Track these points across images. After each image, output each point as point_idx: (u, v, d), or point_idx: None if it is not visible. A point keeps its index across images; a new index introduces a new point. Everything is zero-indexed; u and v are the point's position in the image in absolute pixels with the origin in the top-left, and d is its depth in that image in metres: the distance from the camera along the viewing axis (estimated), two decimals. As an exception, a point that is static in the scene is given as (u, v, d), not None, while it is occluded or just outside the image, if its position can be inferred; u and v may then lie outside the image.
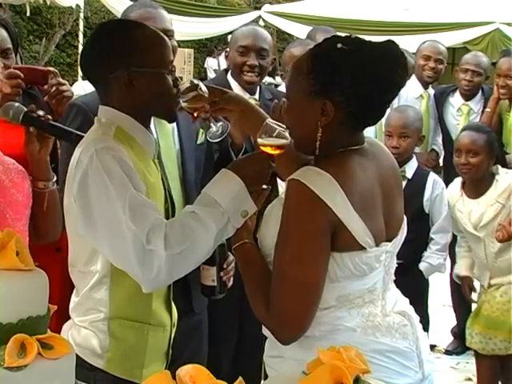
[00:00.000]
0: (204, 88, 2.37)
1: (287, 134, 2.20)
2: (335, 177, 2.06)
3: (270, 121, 2.23)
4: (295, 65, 2.23)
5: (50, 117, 2.59)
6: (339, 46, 2.12)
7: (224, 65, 19.36)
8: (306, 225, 2.06)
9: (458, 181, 4.20)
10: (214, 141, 2.49)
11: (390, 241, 2.20)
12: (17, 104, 2.59)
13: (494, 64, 6.02)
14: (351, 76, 2.08)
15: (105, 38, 2.28)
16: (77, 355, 2.15)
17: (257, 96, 3.71)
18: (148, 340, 2.31)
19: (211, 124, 2.46)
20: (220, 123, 2.47)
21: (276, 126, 2.20)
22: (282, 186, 3.53)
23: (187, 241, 2.09)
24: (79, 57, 2.39)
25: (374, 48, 2.13)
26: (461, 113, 5.39)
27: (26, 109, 2.56)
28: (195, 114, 2.42)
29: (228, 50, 3.66)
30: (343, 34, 2.25)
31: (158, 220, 2.11)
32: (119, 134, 2.24)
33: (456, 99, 5.43)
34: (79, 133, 2.54)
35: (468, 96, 5.35)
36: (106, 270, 2.23)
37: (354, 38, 2.16)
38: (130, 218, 2.07)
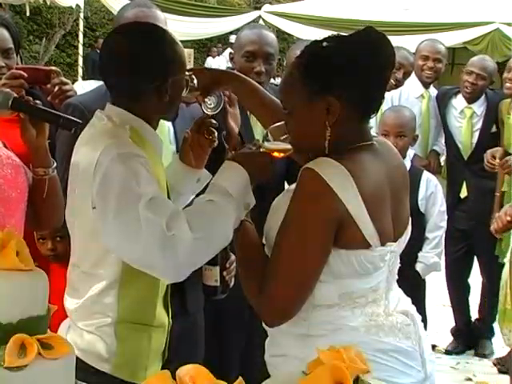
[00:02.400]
0: (195, 80, 2.39)
1: None
2: (349, 170, 2.07)
3: (279, 124, 2.24)
4: (286, 78, 2.24)
5: (39, 101, 2.56)
6: (324, 44, 2.14)
7: (223, 64, 19.37)
8: (312, 215, 2.07)
9: None
10: (210, 113, 2.52)
11: (395, 241, 2.20)
12: (5, 90, 2.57)
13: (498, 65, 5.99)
14: (344, 66, 2.10)
15: (147, 48, 2.24)
16: (80, 359, 2.15)
17: None
18: (151, 342, 2.31)
19: (205, 99, 2.48)
20: (214, 96, 2.49)
21: (282, 127, 2.21)
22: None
23: (208, 226, 2.08)
24: (103, 61, 2.31)
25: (355, 36, 2.16)
26: (463, 115, 5.36)
27: (15, 94, 2.55)
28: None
29: (232, 52, 3.63)
30: (315, 39, 2.26)
31: (175, 208, 2.11)
32: (133, 134, 2.23)
33: (459, 101, 5.40)
34: (68, 116, 2.53)
35: (471, 99, 5.34)
36: (116, 274, 2.21)
37: (335, 35, 2.19)
38: (148, 209, 2.05)
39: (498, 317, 4.41)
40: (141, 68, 2.23)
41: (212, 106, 2.50)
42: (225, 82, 2.54)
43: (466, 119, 5.33)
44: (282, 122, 2.23)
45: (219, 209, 2.11)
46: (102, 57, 2.35)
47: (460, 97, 5.39)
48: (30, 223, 2.58)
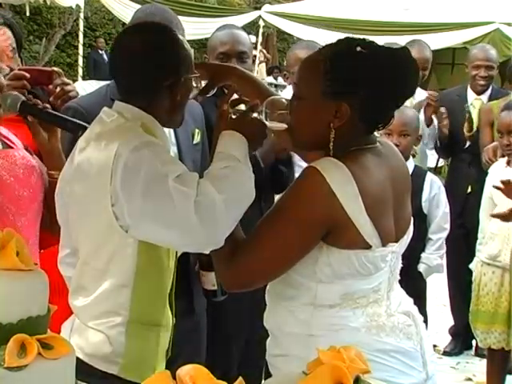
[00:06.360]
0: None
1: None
2: (352, 171, 2.08)
3: (276, 97, 2.24)
4: (308, 63, 2.22)
5: (47, 105, 2.61)
6: (358, 49, 2.12)
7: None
8: (302, 210, 2.08)
9: (503, 159, 4.32)
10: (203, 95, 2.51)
11: (396, 241, 2.21)
12: (14, 93, 2.60)
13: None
14: (370, 80, 2.09)
15: (161, 47, 2.25)
16: (86, 364, 2.15)
17: None
18: (159, 341, 2.30)
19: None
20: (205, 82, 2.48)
21: (281, 101, 2.22)
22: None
23: (232, 186, 2.10)
24: (116, 60, 2.33)
25: (390, 53, 2.15)
26: (473, 108, 5.39)
27: (23, 98, 2.57)
28: None
29: (207, 56, 3.61)
30: (344, 35, 2.25)
31: (198, 177, 2.13)
32: (145, 130, 2.23)
33: (469, 95, 5.46)
34: (75, 120, 2.55)
35: (480, 91, 5.39)
36: (130, 272, 2.20)
37: (370, 41, 2.17)
38: (178, 183, 2.06)
39: (470, 317, 4.46)
40: (155, 65, 2.23)
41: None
42: (224, 77, 2.54)
43: (475, 110, 5.35)
44: (280, 97, 2.24)
45: (236, 171, 2.12)
46: (113, 56, 2.35)
47: (469, 90, 5.43)
48: (43, 224, 2.59)
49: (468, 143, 5.34)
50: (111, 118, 2.26)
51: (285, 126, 2.22)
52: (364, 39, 2.18)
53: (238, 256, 2.13)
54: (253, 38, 12.01)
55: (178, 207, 2.05)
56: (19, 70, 2.95)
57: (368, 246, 2.11)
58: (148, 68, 2.23)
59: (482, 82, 5.36)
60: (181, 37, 2.33)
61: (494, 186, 3.89)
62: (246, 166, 2.15)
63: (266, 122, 2.22)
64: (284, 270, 2.14)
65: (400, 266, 2.27)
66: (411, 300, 2.34)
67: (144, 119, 2.25)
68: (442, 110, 5.27)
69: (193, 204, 2.04)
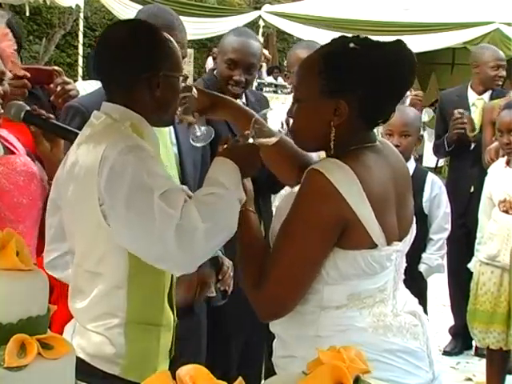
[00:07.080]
0: (194, 90, 2.38)
1: (277, 130, 2.23)
2: (355, 171, 2.07)
3: (256, 117, 2.25)
4: (304, 65, 2.22)
5: (52, 116, 2.60)
6: (352, 45, 2.12)
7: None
8: (316, 218, 2.07)
9: (503, 159, 4.34)
10: (197, 145, 2.49)
11: (400, 240, 2.21)
12: (19, 102, 2.60)
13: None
14: (366, 76, 2.09)
15: (140, 39, 2.26)
16: (88, 364, 2.15)
17: (244, 99, 3.66)
18: (160, 341, 2.29)
19: (196, 127, 2.43)
20: (204, 128, 2.44)
21: (263, 119, 2.23)
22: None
23: (215, 215, 2.08)
24: (96, 55, 2.34)
25: (385, 47, 2.14)
26: (475, 108, 5.40)
27: (28, 107, 2.57)
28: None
29: (216, 51, 3.60)
30: (343, 35, 2.25)
31: (186, 199, 2.11)
32: (134, 130, 2.22)
33: (470, 95, 5.47)
34: (78, 131, 2.55)
35: (482, 91, 5.40)
36: (124, 273, 2.19)
37: (364, 37, 2.17)
38: (163, 201, 2.04)
39: (467, 316, 4.46)
40: (130, 54, 2.23)
41: (198, 134, 2.44)
42: (221, 108, 2.49)
43: (477, 110, 5.36)
44: (262, 112, 2.25)
45: (221, 200, 2.11)
46: (95, 50, 2.37)
47: (470, 91, 5.45)
48: (41, 233, 2.58)
49: (473, 145, 5.34)
50: (99, 119, 2.26)
51: (273, 140, 2.23)
52: (358, 36, 2.18)
53: (263, 287, 2.12)
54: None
55: (158, 226, 2.03)
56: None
57: (374, 246, 2.11)
58: (123, 56, 2.24)
59: (500, 82, 5.41)
60: (167, 35, 2.33)
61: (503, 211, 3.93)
62: (233, 196, 2.13)
63: (257, 140, 2.22)
64: (310, 282, 2.12)
65: (404, 264, 2.28)
66: (416, 300, 2.34)
67: (133, 119, 2.25)
68: (460, 111, 5.27)
69: (174, 226, 2.02)
